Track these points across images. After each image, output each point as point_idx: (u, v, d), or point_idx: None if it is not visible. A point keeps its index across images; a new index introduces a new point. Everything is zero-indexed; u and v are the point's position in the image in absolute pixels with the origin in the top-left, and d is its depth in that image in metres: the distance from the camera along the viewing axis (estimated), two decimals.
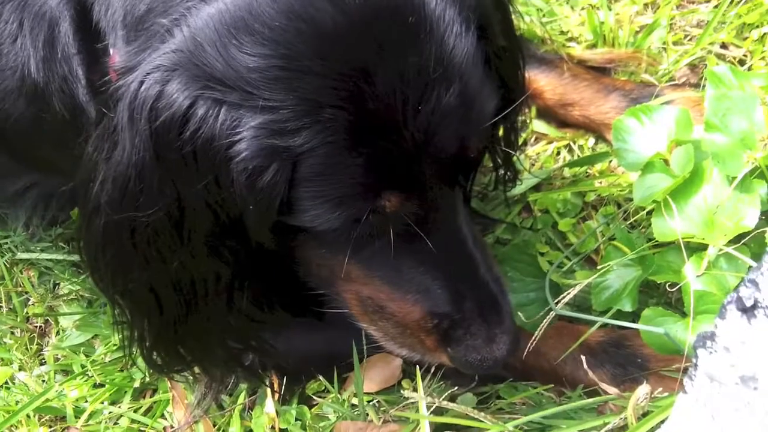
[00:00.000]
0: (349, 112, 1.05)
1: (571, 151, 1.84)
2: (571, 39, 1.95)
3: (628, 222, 1.67)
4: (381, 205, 1.12)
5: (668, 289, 1.35)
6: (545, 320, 1.41)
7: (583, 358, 1.36)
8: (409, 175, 1.12)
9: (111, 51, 1.24)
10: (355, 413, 1.51)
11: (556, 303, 1.39)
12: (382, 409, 1.53)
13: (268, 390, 1.57)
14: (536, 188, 1.79)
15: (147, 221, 1.12)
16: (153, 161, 1.08)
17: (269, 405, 1.58)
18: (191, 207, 1.11)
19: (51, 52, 1.36)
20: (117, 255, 1.21)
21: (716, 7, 1.89)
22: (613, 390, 1.31)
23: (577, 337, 1.48)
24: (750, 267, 1.27)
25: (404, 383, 1.57)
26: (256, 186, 1.07)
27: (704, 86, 1.80)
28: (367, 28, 1.05)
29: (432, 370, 1.49)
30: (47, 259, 1.89)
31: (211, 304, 1.27)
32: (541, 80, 1.81)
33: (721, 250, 1.32)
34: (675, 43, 1.90)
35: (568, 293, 1.40)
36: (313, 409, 1.57)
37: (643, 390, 1.24)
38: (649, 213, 1.60)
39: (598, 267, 1.47)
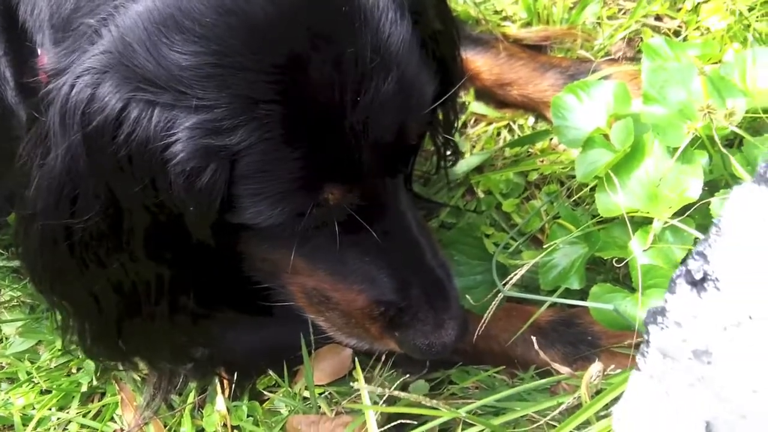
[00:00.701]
0: (284, 106, 1.01)
1: (511, 131, 1.81)
2: (505, 18, 1.91)
3: (572, 199, 1.63)
4: (323, 198, 1.09)
5: (615, 264, 1.32)
6: (494, 302, 1.38)
7: (534, 338, 1.33)
8: (350, 166, 1.08)
9: (39, 51, 1.19)
10: (307, 406, 1.47)
11: (504, 284, 1.36)
12: (334, 401, 1.49)
13: (218, 387, 1.52)
14: (478, 170, 1.76)
15: (83, 226, 1.08)
16: (87, 166, 1.04)
17: (220, 402, 1.53)
18: (128, 210, 1.08)
19: None
20: (54, 260, 1.17)
21: None
22: (565, 369, 1.28)
23: (526, 317, 1.45)
24: (697, 239, 1.25)
25: (355, 374, 1.51)
26: (195, 187, 1.03)
27: (641, 59, 1.77)
28: (299, 19, 1.01)
29: (383, 358, 1.44)
30: None
31: (153, 305, 1.23)
32: (477, 61, 1.78)
33: (666, 222, 1.29)
34: (609, 18, 1.88)
35: (516, 274, 1.37)
36: (264, 404, 1.53)
37: (595, 368, 1.21)
38: (593, 189, 1.57)
39: (545, 246, 1.43)
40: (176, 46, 0.99)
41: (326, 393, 1.50)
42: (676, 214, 1.29)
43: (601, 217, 1.41)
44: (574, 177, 1.67)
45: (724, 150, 1.25)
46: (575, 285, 1.39)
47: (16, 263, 1.77)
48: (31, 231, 1.15)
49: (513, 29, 1.88)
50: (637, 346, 1.30)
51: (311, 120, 1.03)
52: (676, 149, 1.30)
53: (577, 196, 1.63)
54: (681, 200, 1.27)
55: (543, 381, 1.38)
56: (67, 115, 1.02)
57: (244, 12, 0.99)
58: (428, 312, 1.24)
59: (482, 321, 1.38)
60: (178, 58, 0.99)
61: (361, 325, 1.28)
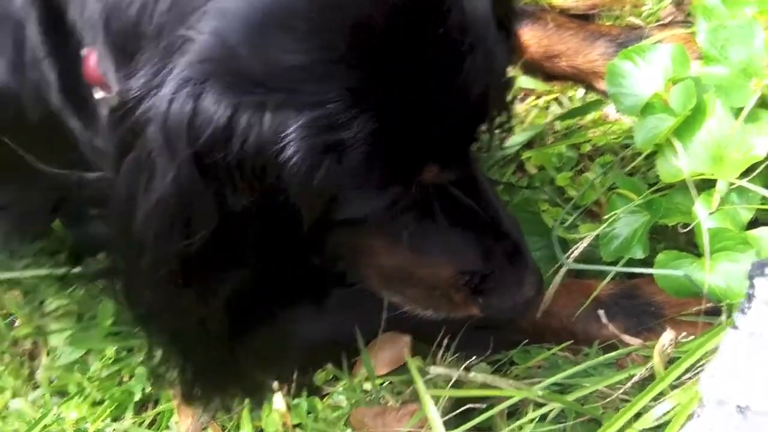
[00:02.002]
0: (389, 94, 1.03)
1: (560, 104, 1.82)
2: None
3: (626, 169, 1.64)
4: (423, 178, 1.12)
5: (680, 230, 1.32)
6: (556, 277, 1.38)
7: (601, 312, 1.34)
8: (446, 143, 1.12)
9: (89, 54, 1.19)
10: (369, 398, 1.48)
11: (567, 257, 1.36)
12: (396, 390, 1.50)
13: (276, 385, 1.53)
14: (528, 146, 1.77)
15: (199, 246, 1.08)
16: (200, 184, 1.04)
17: (278, 401, 1.55)
18: (240, 221, 1.08)
19: (19, 56, 1.30)
20: (169, 291, 1.17)
21: None
22: (635, 340, 1.29)
23: (587, 292, 1.46)
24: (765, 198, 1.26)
25: (408, 362, 1.53)
26: (310, 187, 1.04)
27: (692, 23, 1.77)
28: (397, 8, 1.02)
29: (444, 343, 1.45)
30: (31, 276, 1.83)
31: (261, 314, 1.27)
32: (525, 34, 1.78)
33: (731, 184, 1.29)
34: None
35: (577, 247, 1.38)
36: (324, 400, 1.54)
37: (667, 336, 1.22)
38: (647, 158, 1.59)
39: (605, 217, 1.43)
40: (283, 46, 0.99)
41: (387, 383, 1.51)
42: (742, 175, 1.29)
43: (661, 184, 1.42)
44: (627, 146, 1.69)
45: None
46: (639, 254, 1.39)
47: (60, 271, 1.80)
48: (139, 266, 1.13)
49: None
50: (707, 312, 1.33)
51: (411, 102, 1.05)
52: (739, 109, 1.31)
53: (632, 165, 1.63)
54: (747, 160, 1.27)
55: (609, 355, 1.39)
56: (171, 133, 1.01)
57: (347, 6, 1.00)
58: (510, 274, 1.27)
59: (546, 297, 1.41)
60: (287, 58, 0.99)
61: (445, 296, 1.30)
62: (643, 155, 1.58)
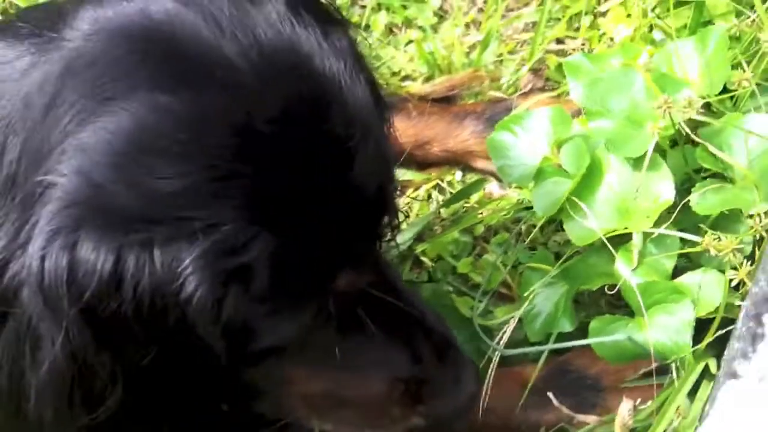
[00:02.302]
0: (290, 204, 0.94)
1: (441, 190, 1.77)
2: (405, 78, 1.89)
3: (525, 243, 1.59)
4: (337, 288, 1.02)
5: (607, 291, 1.27)
6: (490, 367, 1.31)
7: (549, 394, 1.28)
8: (353, 246, 1.03)
9: None
10: None
11: (497, 344, 1.29)
12: None
13: None
14: (419, 239, 1.70)
15: (108, 416, 0.95)
16: (95, 344, 0.91)
17: None
18: (149, 375, 0.96)
19: None
20: None
21: (540, 5, 1.86)
22: (591, 418, 1.21)
23: (519, 379, 1.40)
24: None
25: None
26: (220, 321, 0.92)
27: (552, 88, 1.78)
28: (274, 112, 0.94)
29: None
30: None
31: None
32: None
33: (648, 235, 1.25)
34: (510, 53, 1.87)
35: (504, 331, 1.31)
36: None
37: (626, 407, 1.16)
38: (542, 228, 1.55)
39: (524, 295, 1.37)
40: (157, 172, 0.88)
41: None
42: (656, 225, 1.26)
43: (570, 251, 1.37)
44: (519, 221, 1.64)
45: (697, 139, 1.22)
46: (567, 327, 1.34)
47: None
48: None
49: (416, 86, 1.85)
50: (647, 374, 1.27)
51: (309, 210, 0.96)
52: (636, 159, 1.28)
53: (530, 239, 1.59)
54: (658, 207, 1.24)
55: None
56: (51, 294, 0.88)
57: (218, 117, 0.91)
58: (445, 371, 1.18)
59: (483, 392, 1.32)
60: (164, 185, 0.88)
61: (382, 412, 1.20)
62: (538, 226, 1.55)
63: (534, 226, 1.57)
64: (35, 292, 0.88)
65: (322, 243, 0.98)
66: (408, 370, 1.17)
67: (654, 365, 1.26)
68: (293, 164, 0.95)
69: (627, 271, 1.25)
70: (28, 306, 0.90)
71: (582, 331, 1.33)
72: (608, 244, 1.24)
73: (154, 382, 0.98)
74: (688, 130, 1.21)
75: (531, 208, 1.58)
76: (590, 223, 1.26)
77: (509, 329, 1.31)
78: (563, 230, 1.51)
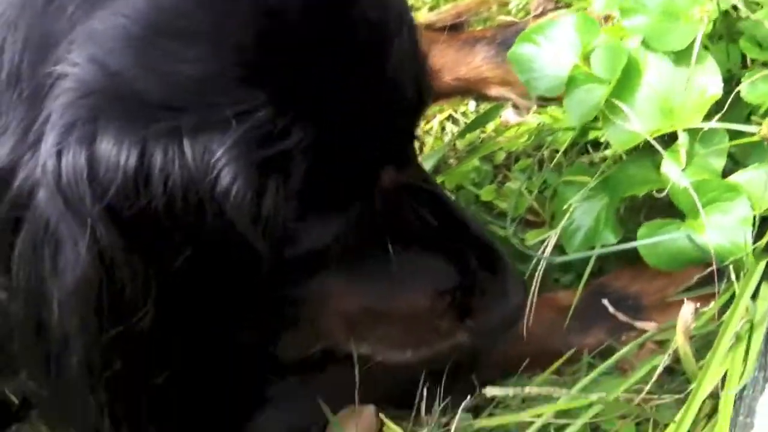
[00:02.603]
0: (323, 90, 0.87)
1: (455, 122, 1.69)
2: (411, 8, 1.79)
3: (551, 167, 1.52)
4: (383, 184, 0.96)
5: (656, 194, 1.19)
6: (533, 285, 1.22)
7: (604, 302, 1.22)
8: (396, 140, 0.98)
9: None
10: None
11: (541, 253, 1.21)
12: None
13: None
14: (435, 173, 1.61)
15: (140, 328, 0.86)
16: (124, 245, 0.83)
17: None
18: (184, 282, 0.87)
19: None
20: (113, 395, 0.94)
21: None
22: (649, 324, 1.13)
23: (553, 305, 1.33)
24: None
25: (386, 430, 1.32)
26: (261, 217, 0.85)
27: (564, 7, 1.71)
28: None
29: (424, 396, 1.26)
30: None
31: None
32: None
33: (696, 133, 1.17)
34: None
35: (547, 243, 1.23)
36: None
37: (688, 309, 1.07)
38: (566, 152, 1.48)
39: (562, 209, 1.29)
40: (179, 55, 0.81)
41: None
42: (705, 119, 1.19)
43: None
44: (540, 148, 1.57)
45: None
46: (611, 239, 1.26)
47: None
48: (66, 369, 0.90)
49: (421, 15, 1.78)
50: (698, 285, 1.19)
51: (347, 98, 0.89)
52: (675, 54, 1.20)
53: (553, 164, 1.52)
54: (706, 102, 1.17)
55: (608, 362, 1.23)
56: (70, 194, 0.80)
57: None
58: (492, 281, 1.12)
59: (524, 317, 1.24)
60: (187, 69, 0.81)
61: (428, 327, 1.12)
62: (562, 150, 1.48)
63: (557, 151, 1.50)
64: (53, 193, 0.80)
65: (363, 136, 0.92)
66: (454, 280, 1.10)
67: (696, 278, 1.20)
68: (326, 50, 0.88)
69: (676, 172, 1.17)
70: (46, 208, 0.82)
71: None
72: (655, 144, 1.16)
73: (189, 292, 0.89)
74: (734, 14, 1.13)
75: (553, 132, 1.52)
76: (633, 125, 1.18)
77: (551, 243, 1.22)
78: (588, 152, 1.46)
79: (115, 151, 0.80)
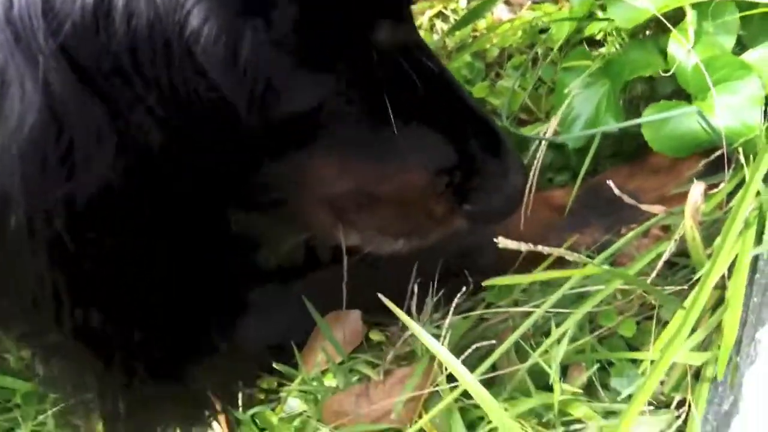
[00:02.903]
0: None
1: (445, 18, 1.61)
2: None
3: (545, 63, 1.44)
4: (379, 38, 0.85)
5: (662, 74, 1.11)
6: (530, 176, 1.16)
7: (610, 183, 1.11)
8: None
9: None
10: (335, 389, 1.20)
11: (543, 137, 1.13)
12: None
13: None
14: None
15: (93, 190, 0.77)
16: (76, 95, 0.74)
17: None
18: (145, 142, 0.78)
19: None
20: (57, 265, 0.83)
21: None
22: (657, 208, 1.06)
23: (548, 203, 1.27)
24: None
25: (372, 335, 1.26)
26: (237, 69, 0.76)
27: None
28: None
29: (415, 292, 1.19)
30: None
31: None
32: None
33: (705, 10, 1.10)
34: None
35: (545, 132, 1.15)
36: (277, 409, 1.23)
37: (697, 190, 1.00)
38: (561, 49, 1.41)
39: (564, 93, 1.22)
40: None
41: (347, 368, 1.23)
42: None
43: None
44: (534, 45, 1.50)
45: None
46: (612, 123, 1.18)
47: None
48: (4, 231, 0.78)
49: None
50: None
51: None
52: None
53: (548, 61, 1.45)
54: None
55: (602, 256, 1.15)
56: (22, 28, 0.71)
57: None
58: (492, 161, 1.02)
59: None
60: None
61: (422, 211, 1.03)
62: (557, 47, 1.40)
63: (551, 48, 1.43)
64: (2, 25, 0.71)
65: None
66: (452, 158, 1.01)
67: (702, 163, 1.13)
68: None
69: (683, 52, 1.09)
70: None
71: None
72: (664, 21, 1.08)
73: (152, 153, 0.80)
74: None
75: (547, 30, 1.44)
76: (639, 1, 1.10)
77: (550, 129, 1.15)
78: (585, 49, 1.39)
79: None
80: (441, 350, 0.97)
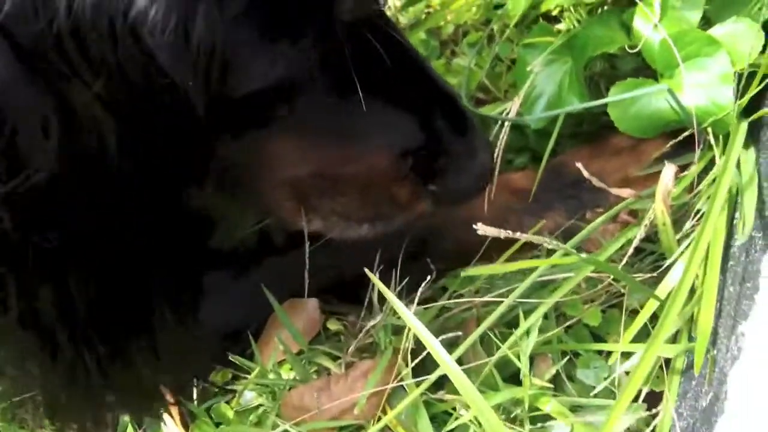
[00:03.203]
0: None
1: None
2: None
3: (501, 40, 1.40)
4: (340, 11, 0.80)
5: (628, 50, 1.08)
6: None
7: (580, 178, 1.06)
8: None
9: None
10: (293, 382, 1.15)
11: (504, 118, 1.09)
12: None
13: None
14: None
15: (35, 183, 0.73)
16: (17, 79, 0.69)
17: (172, 428, 1.18)
18: (96, 128, 0.74)
19: None
20: None
21: None
22: (626, 191, 1.03)
23: (508, 187, 1.22)
24: None
25: (329, 325, 1.21)
26: (190, 48, 0.71)
27: None
28: None
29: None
30: None
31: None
32: None
33: None
34: None
35: (508, 110, 1.11)
36: (232, 403, 1.18)
37: (668, 172, 0.97)
38: (517, 25, 1.36)
39: (526, 70, 1.17)
40: None
41: (306, 360, 1.19)
42: None
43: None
44: (490, 22, 1.45)
45: None
46: (577, 104, 1.14)
47: None
48: None
49: None
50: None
51: None
52: None
53: (504, 38, 1.40)
54: None
55: (568, 244, 1.10)
56: None
57: None
58: (458, 141, 0.98)
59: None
60: None
61: (386, 194, 0.98)
62: (513, 23, 1.36)
63: (507, 26, 1.39)
64: None
65: None
66: (418, 138, 0.96)
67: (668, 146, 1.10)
68: None
69: (648, 27, 1.06)
70: None
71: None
72: None
73: (98, 140, 0.75)
74: None
75: (502, 5, 1.40)
76: None
77: (513, 109, 1.11)
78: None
79: None
80: (430, 338, 0.92)
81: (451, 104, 0.99)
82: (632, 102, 1.05)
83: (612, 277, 1.05)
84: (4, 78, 0.68)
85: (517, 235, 0.91)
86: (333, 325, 1.21)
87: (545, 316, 1.04)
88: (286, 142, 0.90)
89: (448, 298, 1.16)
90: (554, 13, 1.44)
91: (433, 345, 0.90)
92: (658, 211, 0.97)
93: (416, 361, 1.02)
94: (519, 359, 0.98)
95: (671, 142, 1.07)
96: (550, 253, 1.15)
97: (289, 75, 0.80)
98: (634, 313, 1.02)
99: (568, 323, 1.09)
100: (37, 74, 0.70)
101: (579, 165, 1.08)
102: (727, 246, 0.97)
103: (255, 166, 0.93)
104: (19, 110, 0.70)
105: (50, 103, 0.71)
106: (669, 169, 0.95)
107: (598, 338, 1.09)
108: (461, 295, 1.17)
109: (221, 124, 0.81)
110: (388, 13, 1.44)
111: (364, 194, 0.98)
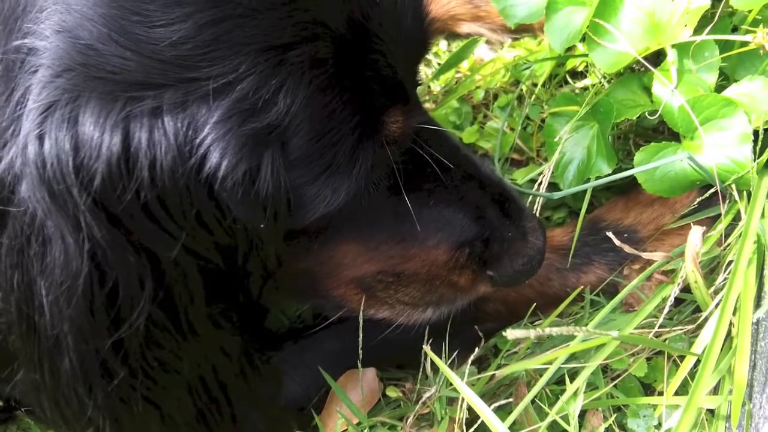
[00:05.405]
0: (311, 42, 0.80)
1: (428, 63, 1.63)
2: None
3: (531, 101, 1.48)
4: (389, 130, 0.89)
5: (648, 117, 1.15)
6: None
7: (609, 234, 1.15)
8: (396, 83, 0.89)
9: None
10: None
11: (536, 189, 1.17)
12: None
13: None
14: None
15: (136, 326, 0.81)
16: (116, 241, 0.77)
17: None
18: (180, 275, 0.82)
19: None
20: (110, 394, 0.88)
21: None
22: (658, 255, 1.09)
23: (549, 245, 1.27)
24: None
25: (389, 392, 1.29)
26: (257, 196, 0.79)
27: None
28: None
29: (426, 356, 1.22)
30: None
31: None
32: None
33: (686, 49, 1.13)
34: None
35: (543, 176, 1.19)
36: None
37: (696, 233, 1.03)
38: (544, 84, 1.44)
39: (555, 140, 1.25)
40: (154, 19, 0.75)
41: (367, 428, 1.26)
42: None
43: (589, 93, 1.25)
44: (518, 83, 1.53)
45: None
46: (605, 169, 1.22)
47: None
48: (59, 371, 0.84)
49: None
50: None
51: (346, 45, 0.83)
52: None
53: (533, 98, 1.48)
54: (693, 13, 1.11)
55: (615, 299, 1.18)
56: (55, 182, 0.74)
57: None
58: (511, 226, 1.07)
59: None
60: (164, 34, 0.75)
61: (447, 283, 1.09)
62: (540, 83, 1.44)
63: (535, 85, 1.46)
64: (37, 184, 0.75)
65: (363, 78, 0.86)
66: (472, 230, 1.07)
67: (697, 201, 1.16)
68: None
69: (667, 92, 1.13)
70: (30, 201, 0.76)
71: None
72: (646, 63, 1.11)
73: (187, 284, 0.84)
74: None
75: (529, 66, 1.48)
76: (620, 45, 1.14)
77: (546, 179, 1.18)
78: (568, 83, 1.42)
79: (97, 135, 0.74)
80: (483, 407, 0.99)
81: (500, 191, 1.08)
82: (656, 166, 1.11)
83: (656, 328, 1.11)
84: (101, 243, 0.76)
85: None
86: (392, 393, 1.28)
87: (593, 373, 1.10)
88: (351, 248, 1.01)
89: (499, 358, 1.22)
90: (580, 68, 1.51)
91: (487, 415, 0.98)
92: (689, 271, 1.03)
93: (472, 429, 1.09)
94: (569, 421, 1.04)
95: (699, 199, 1.13)
96: (593, 306, 1.22)
97: (349, 198, 0.88)
98: (681, 357, 1.09)
99: (615, 374, 1.15)
100: (127, 237, 0.78)
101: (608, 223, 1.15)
102: (759, 296, 1.03)
103: (325, 272, 1.04)
104: (118, 270, 0.78)
105: (144, 260, 0.79)
106: (696, 231, 1.02)
107: (645, 385, 1.16)
108: (514, 353, 1.23)
109: (291, 245, 0.90)
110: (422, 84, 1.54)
111: (427, 284, 1.08)
